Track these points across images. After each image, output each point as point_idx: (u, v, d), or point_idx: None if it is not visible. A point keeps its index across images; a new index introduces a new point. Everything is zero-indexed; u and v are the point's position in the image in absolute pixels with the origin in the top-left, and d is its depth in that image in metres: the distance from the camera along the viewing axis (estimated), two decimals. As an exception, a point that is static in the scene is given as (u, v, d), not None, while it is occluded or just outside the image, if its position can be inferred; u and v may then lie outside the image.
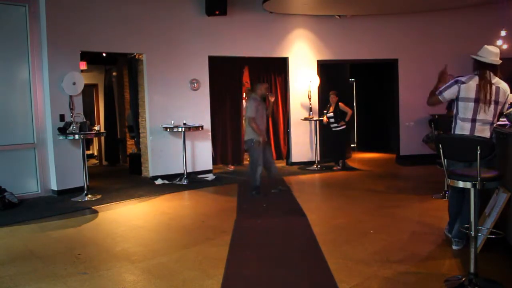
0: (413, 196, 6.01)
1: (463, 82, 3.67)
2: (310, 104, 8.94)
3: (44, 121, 6.68)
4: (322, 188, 7.33)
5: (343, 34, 9.18)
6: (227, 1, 7.97)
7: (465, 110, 3.66)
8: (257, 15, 8.56)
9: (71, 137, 6.36)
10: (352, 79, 11.92)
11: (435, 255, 3.77)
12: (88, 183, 6.63)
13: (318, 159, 8.82)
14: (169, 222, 5.16)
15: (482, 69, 3.66)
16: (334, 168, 8.56)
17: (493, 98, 3.58)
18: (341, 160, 8.61)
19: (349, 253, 3.87)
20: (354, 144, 12.05)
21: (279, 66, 9.19)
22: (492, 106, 3.58)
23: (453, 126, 3.81)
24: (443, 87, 3.80)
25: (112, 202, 6.12)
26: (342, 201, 6.01)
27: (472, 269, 3.09)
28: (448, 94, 3.75)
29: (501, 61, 3.67)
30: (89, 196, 6.37)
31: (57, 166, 6.66)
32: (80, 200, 6.23)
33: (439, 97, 3.82)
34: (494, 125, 3.70)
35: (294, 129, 9.10)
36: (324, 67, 9.31)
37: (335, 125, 8.42)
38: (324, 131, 8.96)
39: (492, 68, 3.65)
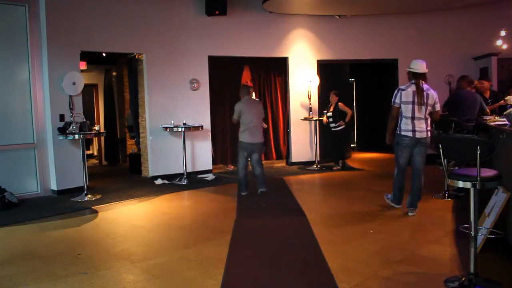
0: (413, 196, 5.99)
1: (403, 90, 4.93)
2: (310, 104, 8.94)
3: (44, 121, 6.68)
4: (322, 188, 7.33)
5: (343, 34, 9.17)
6: (227, 1, 7.97)
7: (406, 110, 4.89)
8: (257, 15, 8.56)
9: (71, 137, 6.37)
10: (352, 79, 11.92)
11: (435, 255, 3.77)
12: (88, 183, 6.64)
13: (318, 159, 8.82)
14: (169, 222, 5.16)
15: (416, 79, 4.89)
16: (334, 168, 8.56)
17: (424, 101, 4.83)
18: (341, 160, 8.60)
19: (349, 253, 3.87)
20: (354, 144, 12.04)
21: (279, 66, 9.19)
22: (423, 107, 4.84)
23: (399, 122, 4.97)
24: (393, 98, 4.99)
25: (112, 202, 6.12)
26: (342, 201, 6.01)
27: (472, 269, 3.09)
28: (397, 99, 4.95)
29: (427, 70, 4.93)
30: (89, 196, 6.37)
31: (57, 166, 6.66)
32: (80, 200, 6.23)
33: (394, 106, 4.98)
34: (428, 120, 4.91)
35: (294, 129, 9.10)
36: (324, 67, 9.30)
37: (334, 125, 8.42)
38: (324, 131, 8.96)
39: (423, 76, 4.92)
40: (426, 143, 4.93)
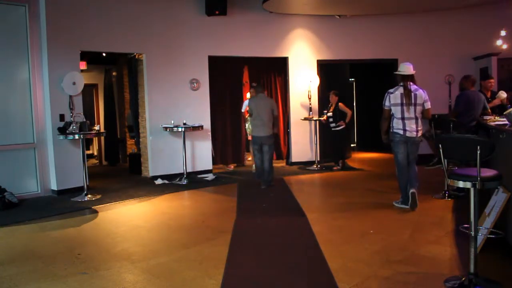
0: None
1: (391, 93, 5.24)
2: (310, 104, 8.94)
3: (44, 121, 6.68)
4: (322, 188, 7.33)
5: (343, 34, 9.17)
6: (227, 1, 7.97)
7: (396, 111, 5.23)
8: (257, 15, 8.56)
9: (71, 137, 6.37)
10: (352, 79, 11.92)
11: (435, 255, 3.77)
12: (88, 183, 6.64)
13: (318, 159, 8.82)
14: (169, 222, 5.16)
15: (404, 81, 5.18)
16: (334, 168, 8.56)
17: (413, 102, 5.13)
18: (340, 160, 8.60)
19: (349, 253, 3.87)
20: (354, 144, 12.04)
21: (279, 66, 9.19)
22: (412, 107, 5.14)
23: (391, 122, 5.30)
24: (383, 101, 5.30)
25: (112, 202, 6.12)
26: (342, 201, 6.01)
27: (472, 269, 3.10)
28: (386, 102, 5.28)
29: (414, 71, 5.23)
30: (89, 196, 6.37)
31: (57, 166, 6.67)
32: (80, 200, 6.23)
33: (385, 108, 5.31)
34: (419, 119, 5.20)
35: (294, 129, 9.10)
36: (324, 67, 9.30)
37: (333, 125, 8.42)
38: (324, 131, 8.96)
39: (411, 78, 5.21)
40: (416, 141, 5.28)
